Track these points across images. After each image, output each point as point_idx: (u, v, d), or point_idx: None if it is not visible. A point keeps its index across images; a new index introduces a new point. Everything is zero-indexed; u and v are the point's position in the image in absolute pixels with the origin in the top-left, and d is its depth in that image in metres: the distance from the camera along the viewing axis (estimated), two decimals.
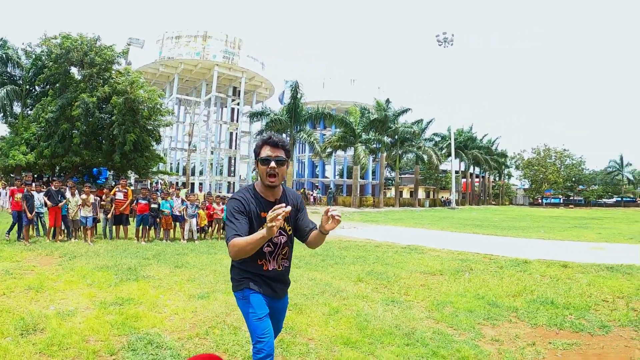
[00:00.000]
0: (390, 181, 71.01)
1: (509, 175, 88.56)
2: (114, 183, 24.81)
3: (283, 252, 2.84)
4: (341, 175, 66.87)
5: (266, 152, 2.68)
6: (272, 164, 2.64)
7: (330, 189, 54.81)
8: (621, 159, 79.02)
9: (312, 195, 44.48)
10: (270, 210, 2.28)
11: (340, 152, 47.85)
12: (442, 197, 69.13)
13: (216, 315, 5.30)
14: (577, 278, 8.24)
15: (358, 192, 43.82)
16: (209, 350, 4.20)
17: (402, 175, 67.18)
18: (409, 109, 45.74)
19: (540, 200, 78.61)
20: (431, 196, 70.50)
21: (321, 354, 4.19)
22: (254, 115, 39.04)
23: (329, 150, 40.74)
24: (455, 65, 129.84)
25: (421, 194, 69.23)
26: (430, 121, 52.79)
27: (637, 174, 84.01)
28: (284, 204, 2.31)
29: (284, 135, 48.85)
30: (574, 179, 77.37)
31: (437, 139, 62.88)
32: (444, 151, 60.15)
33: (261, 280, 2.78)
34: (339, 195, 52.50)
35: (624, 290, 7.29)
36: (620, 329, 5.35)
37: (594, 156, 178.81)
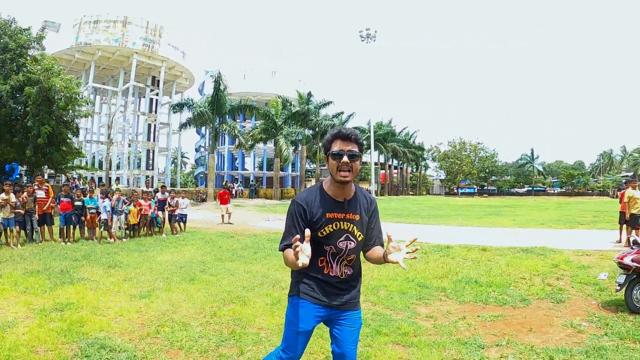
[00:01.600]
0: (310, 173, 71.71)
1: (426, 167, 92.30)
2: (25, 180, 23.17)
3: (348, 259, 2.55)
4: (261, 168, 66.42)
5: (337, 146, 2.42)
6: (345, 158, 2.38)
7: (252, 181, 54.22)
8: (532, 152, 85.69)
9: (233, 188, 43.91)
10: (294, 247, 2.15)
11: (260, 144, 47.65)
12: (362, 188, 70.83)
13: (162, 313, 5.29)
14: (496, 260, 9.03)
15: (279, 184, 43.99)
16: (163, 348, 4.23)
17: (323, 167, 68.07)
18: (331, 102, 46.37)
19: (455, 190, 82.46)
20: None
21: (273, 341, 4.35)
22: (177, 107, 37.80)
23: (250, 142, 40.50)
24: (377, 60, 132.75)
25: None
26: (351, 115, 53.65)
27: (547, 165, 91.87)
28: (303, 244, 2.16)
29: (204, 128, 47.81)
30: (487, 170, 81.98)
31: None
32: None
33: (318, 286, 2.53)
34: (259, 187, 52.27)
35: (539, 269, 8.14)
36: (539, 302, 6.07)
37: (507, 150, 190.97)
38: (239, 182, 52.05)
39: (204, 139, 56.03)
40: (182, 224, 14.51)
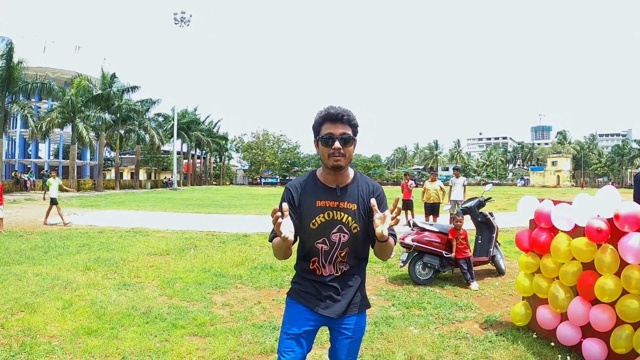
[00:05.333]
0: (110, 162, 66.63)
1: (230, 157, 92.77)
2: None
3: (342, 255, 2.19)
4: (57, 156, 59.44)
5: (327, 129, 2.10)
6: (337, 144, 2.07)
7: (46, 171, 47.96)
8: None
9: (25, 178, 38.33)
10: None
11: (56, 129, 42.58)
12: (164, 178, 68.49)
13: None
14: None
15: (76, 174, 39.98)
16: None
17: (123, 156, 63.87)
18: (138, 87, 43.59)
19: (259, 180, 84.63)
20: (153, 177, 69.28)
21: (67, 349, 4.13)
22: None
23: (45, 127, 35.63)
24: (189, 45, 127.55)
25: (142, 175, 66.99)
26: (156, 101, 51.05)
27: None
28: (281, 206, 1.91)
29: None
30: (289, 162, 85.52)
31: (161, 119, 61.55)
32: (167, 132, 59.35)
33: (312, 288, 2.22)
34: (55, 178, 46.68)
35: None
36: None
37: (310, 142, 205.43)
38: (31, 172, 45.52)
39: None
40: None
